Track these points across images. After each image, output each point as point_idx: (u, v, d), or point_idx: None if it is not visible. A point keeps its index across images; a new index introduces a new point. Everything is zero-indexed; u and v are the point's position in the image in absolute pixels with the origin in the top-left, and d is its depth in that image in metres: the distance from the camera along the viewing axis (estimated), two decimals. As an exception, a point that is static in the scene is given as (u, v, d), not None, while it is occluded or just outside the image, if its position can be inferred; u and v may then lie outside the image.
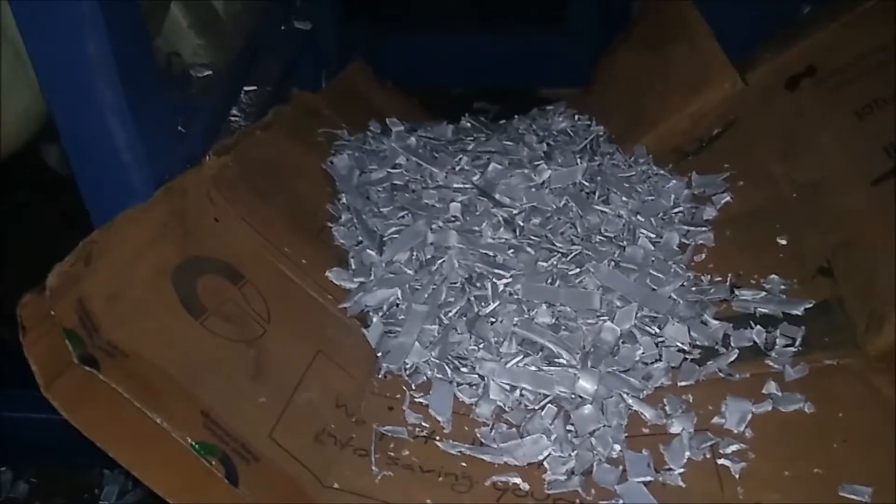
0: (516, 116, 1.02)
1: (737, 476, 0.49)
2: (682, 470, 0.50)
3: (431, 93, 1.24)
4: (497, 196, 0.73)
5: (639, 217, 0.73)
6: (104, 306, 0.46)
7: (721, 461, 0.50)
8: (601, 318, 0.61)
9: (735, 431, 0.52)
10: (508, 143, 0.85)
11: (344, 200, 0.74)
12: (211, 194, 0.60)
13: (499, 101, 1.32)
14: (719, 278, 0.66)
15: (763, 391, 0.54)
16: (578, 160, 0.80)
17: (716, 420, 0.53)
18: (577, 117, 0.96)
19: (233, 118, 0.78)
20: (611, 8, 1.26)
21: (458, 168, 0.79)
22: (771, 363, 0.56)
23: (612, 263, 0.66)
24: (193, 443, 0.43)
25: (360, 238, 0.70)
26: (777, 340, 0.58)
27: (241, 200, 0.63)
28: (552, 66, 1.34)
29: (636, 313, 0.61)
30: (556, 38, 1.36)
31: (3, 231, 0.95)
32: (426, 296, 0.64)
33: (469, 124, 0.95)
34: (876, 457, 0.48)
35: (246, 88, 0.82)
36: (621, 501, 0.48)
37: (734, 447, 0.50)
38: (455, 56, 1.32)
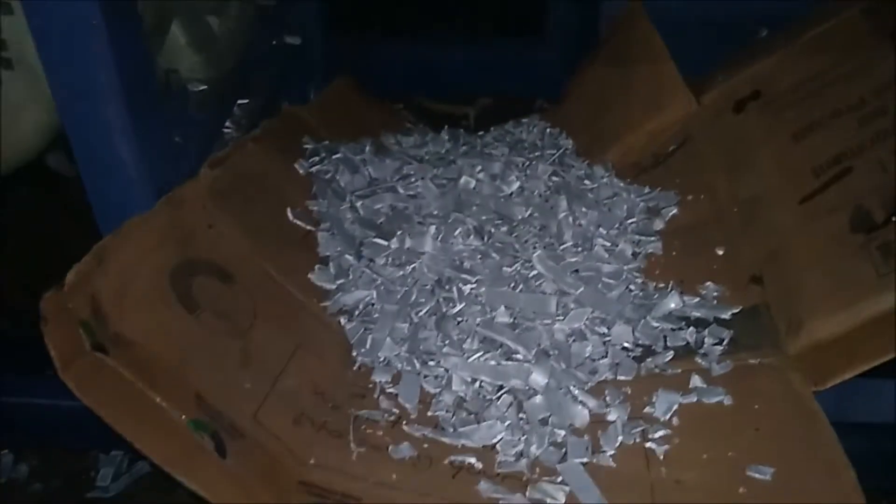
0: (492, 128, 1.08)
1: (661, 458, 0.55)
2: (613, 452, 0.56)
3: (416, 102, 1.30)
4: (468, 206, 0.80)
5: (597, 227, 0.80)
6: (112, 302, 0.53)
7: (648, 445, 0.56)
8: (556, 318, 0.68)
9: (663, 419, 0.58)
10: (483, 154, 0.92)
11: (324, 209, 0.80)
12: (205, 203, 0.67)
13: (480, 110, 1.38)
14: (663, 284, 0.73)
15: (690, 385, 0.61)
16: (545, 173, 0.87)
17: (648, 409, 0.59)
18: (548, 130, 1.03)
19: (226, 130, 0.84)
20: (587, 24, 1.32)
21: (433, 178, 0.85)
22: (700, 361, 0.63)
23: (571, 269, 0.73)
24: (188, 420, 0.50)
25: (340, 243, 0.76)
26: (707, 340, 0.65)
27: (232, 208, 0.69)
28: (533, 77, 1.40)
29: (587, 315, 0.68)
30: (536, 51, 1.43)
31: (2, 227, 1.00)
32: (399, 297, 0.71)
33: (446, 136, 1.02)
34: (784, 443, 0.54)
35: (239, 102, 0.88)
36: (560, 478, 0.55)
37: (661, 433, 0.57)
38: (438, 67, 1.38)
